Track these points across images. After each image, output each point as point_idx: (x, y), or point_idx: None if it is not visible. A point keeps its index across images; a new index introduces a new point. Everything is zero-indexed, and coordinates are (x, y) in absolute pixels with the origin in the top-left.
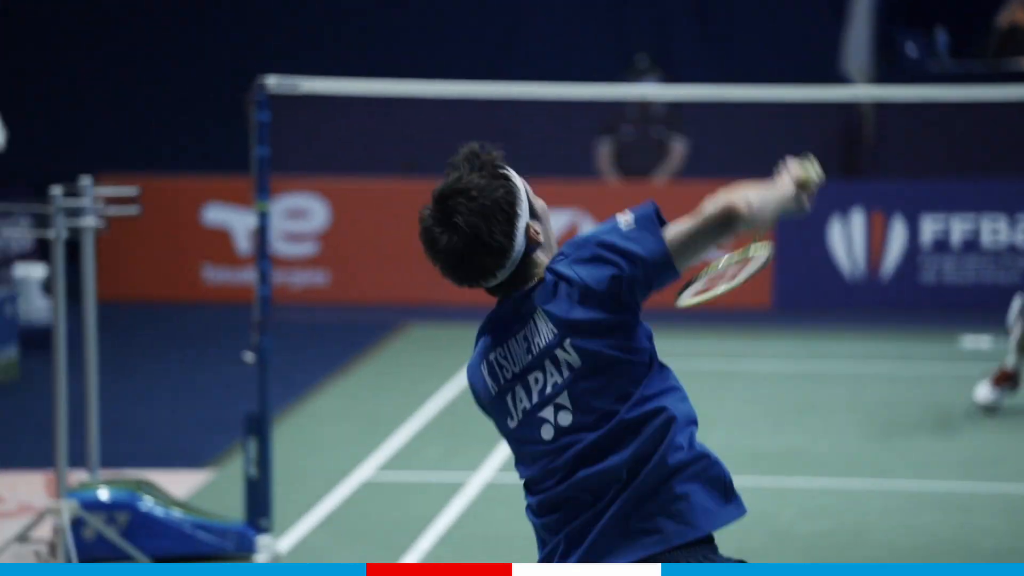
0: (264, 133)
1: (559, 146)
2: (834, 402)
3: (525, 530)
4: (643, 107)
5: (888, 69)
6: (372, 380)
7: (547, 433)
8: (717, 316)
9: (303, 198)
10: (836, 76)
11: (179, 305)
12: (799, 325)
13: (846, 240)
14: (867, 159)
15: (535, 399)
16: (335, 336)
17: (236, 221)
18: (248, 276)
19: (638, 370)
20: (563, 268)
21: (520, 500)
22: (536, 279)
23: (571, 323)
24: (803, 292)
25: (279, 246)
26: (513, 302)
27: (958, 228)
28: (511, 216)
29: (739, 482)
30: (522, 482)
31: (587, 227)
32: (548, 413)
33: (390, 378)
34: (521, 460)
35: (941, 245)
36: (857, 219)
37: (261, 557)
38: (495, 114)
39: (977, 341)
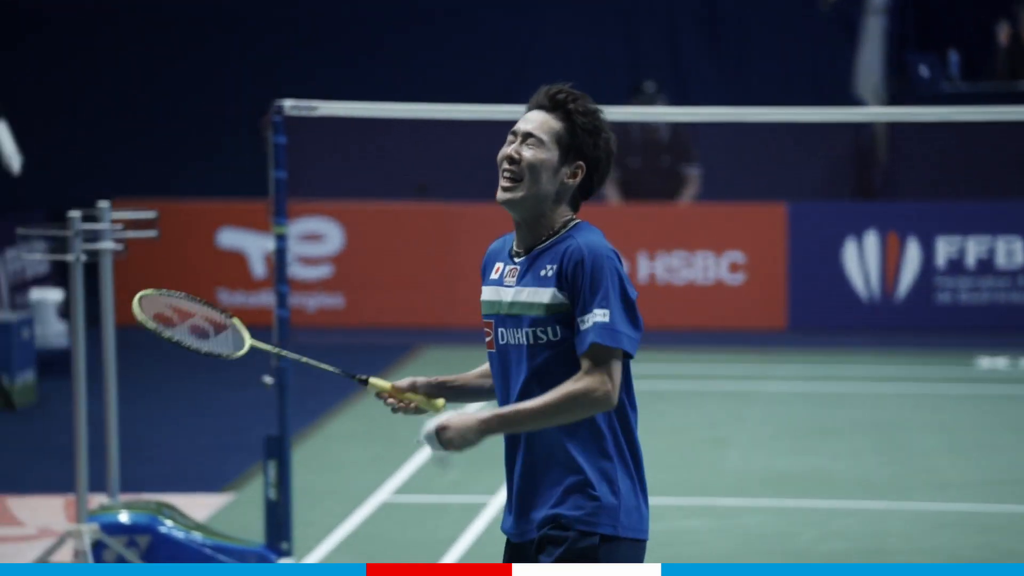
0: (281, 156)
1: None
2: (850, 423)
3: None
4: (649, 134)
5: (900, 91)
6: None
7: None
8: (732, 338)
9: (318, 222)
10: (848, 98)
11: None
12: (814, 346)
13: (861, 261)
14: (881, 180)
15: None
16: (350, 359)
17: (251, 244)
18: (263, 299)
19: None
20: None
21: None
22: None
23: None
24: (818, 313)
25: (294, 269)
26: None
27: (973, 249)
28: None
29: (755, 503)
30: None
31: None
32: None
33: None
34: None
35: (956, 266)
36: (871, 240)
37: None
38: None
39: (993, 362)
